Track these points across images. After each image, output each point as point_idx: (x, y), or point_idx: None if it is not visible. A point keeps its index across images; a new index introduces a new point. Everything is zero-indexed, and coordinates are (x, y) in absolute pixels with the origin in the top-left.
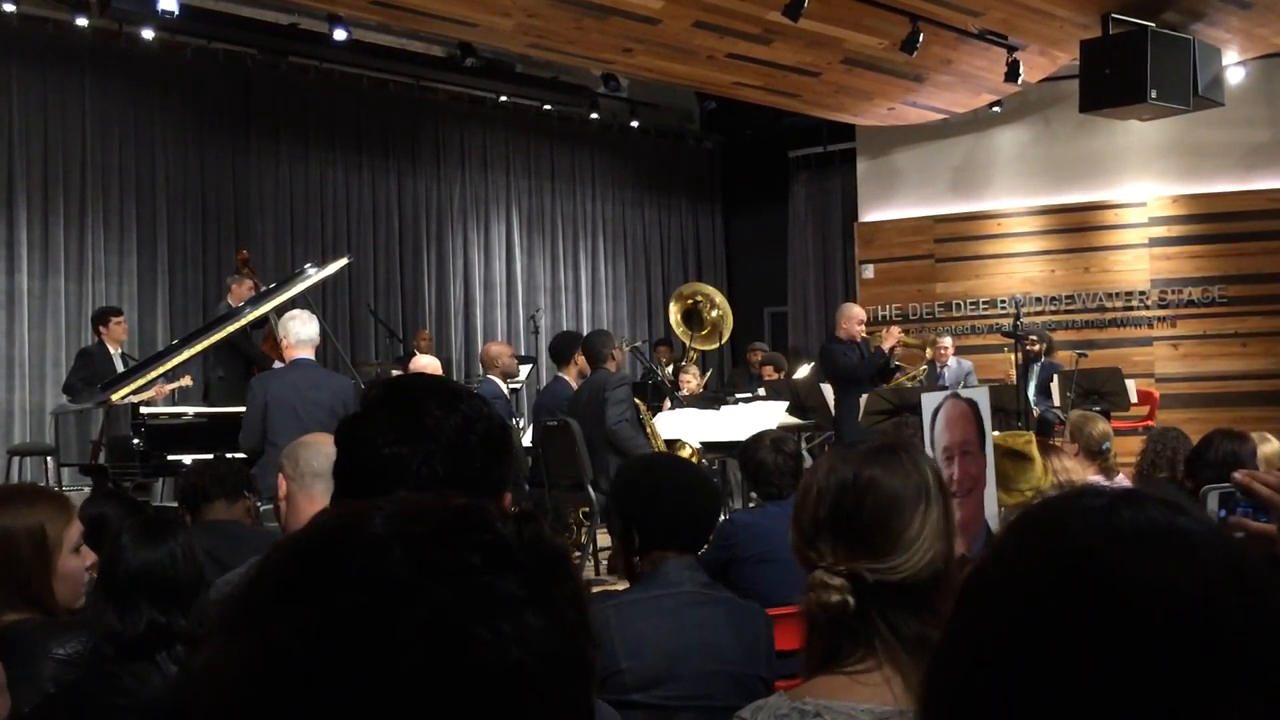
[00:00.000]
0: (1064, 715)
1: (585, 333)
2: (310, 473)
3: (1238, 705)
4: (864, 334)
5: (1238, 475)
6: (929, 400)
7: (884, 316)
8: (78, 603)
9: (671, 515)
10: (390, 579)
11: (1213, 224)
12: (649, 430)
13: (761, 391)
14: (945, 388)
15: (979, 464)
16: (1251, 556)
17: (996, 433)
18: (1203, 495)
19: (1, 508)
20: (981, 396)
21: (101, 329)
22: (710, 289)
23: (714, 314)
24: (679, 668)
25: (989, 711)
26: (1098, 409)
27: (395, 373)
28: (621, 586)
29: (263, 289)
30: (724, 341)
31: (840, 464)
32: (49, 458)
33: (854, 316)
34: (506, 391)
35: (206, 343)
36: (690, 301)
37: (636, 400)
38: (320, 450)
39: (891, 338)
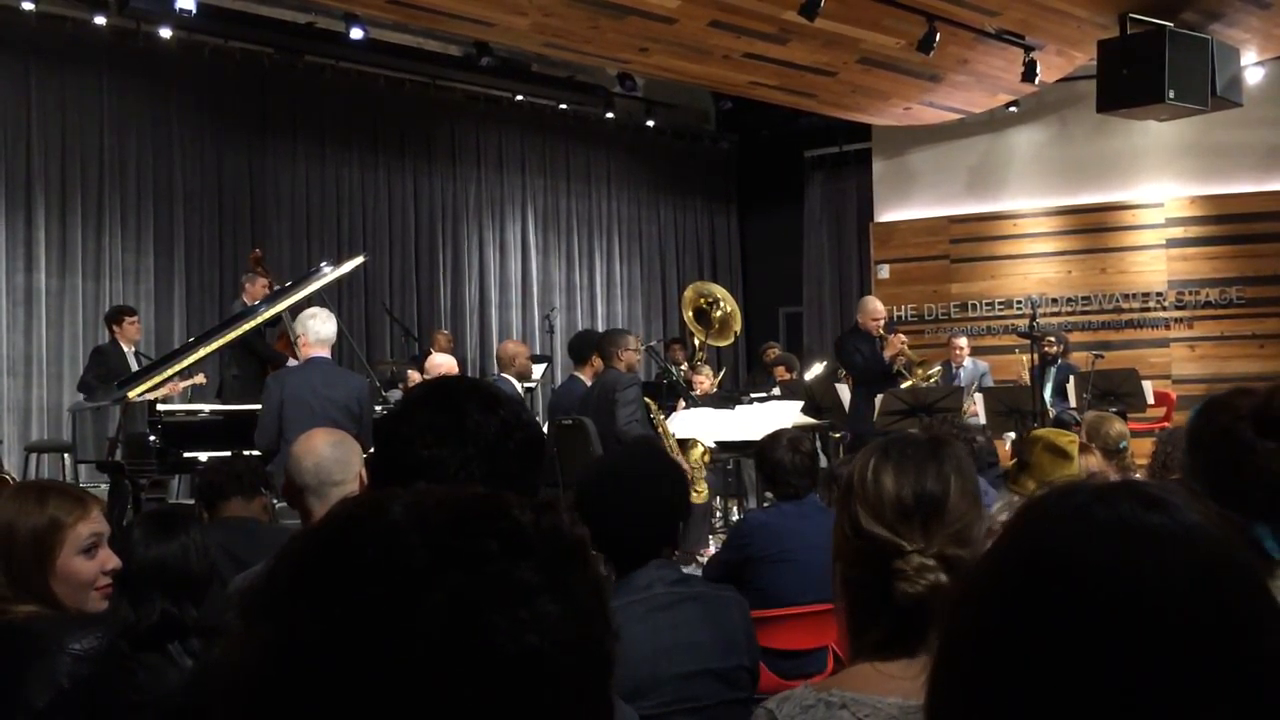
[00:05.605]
0: (1041, 710)
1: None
2: (330, 482)
3: (1203, 703)
4: (879, 330)
5: None
6: None
7: (899, 317)
8: (89, 607)
9: (640, 538)
10: (407, 566)
11: (1230, 225)
12: (661, 430)
13: (777, 391)
14: (960, 388)
15: None
16: (1237, 557)
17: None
18: None
19: (12, 501)
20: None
21: (115, 328)
22: (713, 286)
23: (718, 313)
24: (660, 673)
25: (978, 704)
26: (1114, 410)
27: (411, 372)
28: None
29: (278, 287)
30: (737, 336)
31: (913, 451)
32: (66, 454)
33: (869, 312)
34: (520, 391)
35: (221, 341)
36: (703, 301)
37: (647, 400)
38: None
39: (892, 348)
